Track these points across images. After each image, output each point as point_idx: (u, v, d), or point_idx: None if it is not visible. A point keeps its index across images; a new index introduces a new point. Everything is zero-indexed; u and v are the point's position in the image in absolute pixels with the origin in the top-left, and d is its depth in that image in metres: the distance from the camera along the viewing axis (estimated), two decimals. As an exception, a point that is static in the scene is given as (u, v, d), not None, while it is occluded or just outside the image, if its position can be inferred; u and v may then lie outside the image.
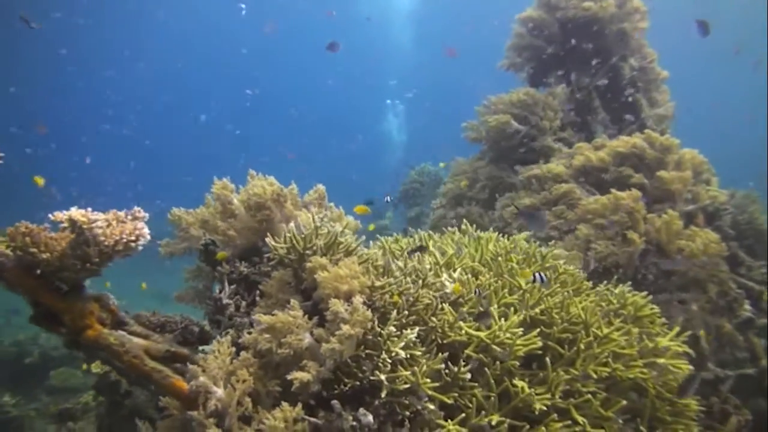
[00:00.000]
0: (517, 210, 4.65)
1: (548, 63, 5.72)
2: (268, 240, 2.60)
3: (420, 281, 2.52)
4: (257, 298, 2.64)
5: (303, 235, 2.52)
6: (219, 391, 2.14)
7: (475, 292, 2.71)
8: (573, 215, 4.38)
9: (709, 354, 4.09)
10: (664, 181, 4.39)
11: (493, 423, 2.27)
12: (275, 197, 2.96)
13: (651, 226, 4.18)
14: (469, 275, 2.97)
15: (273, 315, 2.23)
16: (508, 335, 2.45)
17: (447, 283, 2.77)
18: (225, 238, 3.00)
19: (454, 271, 2.99)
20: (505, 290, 2.84)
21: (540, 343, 2.56)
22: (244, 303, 2.74)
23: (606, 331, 2.70)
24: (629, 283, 4.02)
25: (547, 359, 2.52)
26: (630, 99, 5.20)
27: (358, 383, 2.16)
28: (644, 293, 3.25)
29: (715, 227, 4.52)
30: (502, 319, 2.55)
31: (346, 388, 2.16)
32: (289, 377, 2.11)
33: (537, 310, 2.76)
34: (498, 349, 2.43)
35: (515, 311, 2.70)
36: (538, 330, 2.59)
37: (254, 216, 2.98)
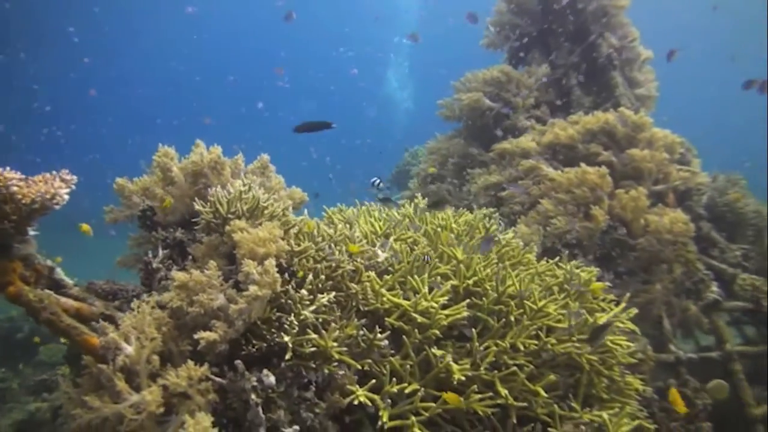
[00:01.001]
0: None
1: (528, 41, 5.60)
2: (196, 205, 2.59)
3: (344, 248, 2.49)
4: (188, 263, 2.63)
5: (227, 199, 2.50)
6: (128, 348, 2.13)
7: (424, 259, 2.68)
8: (537, 190, 4.30)
9: (670, 335, 4.01)
10: (634, 158, 4.28)
11: (407, 391, 2.24)
12: (212, 165, 2.94)
13: (617, 203, 4.09)
14: (408, 245, 2.94)
15: (187, 273, 2.22)
16: (431, 304, 2.42)
17: (379, 252, 2.74)
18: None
19: (395, 241, 2.96)
20: (440, 260, 2.80)
21: (465, 314, 2.52)
22: (175, 268, 2.73)
23: (540, 304, 2.65)
24: (582, 259, 3.97)
25: (474, 330, 2.49)
26: (605, 77, 5.07)
27: (266, 345, 2.14)
28: (593, 269, 3.20)
29: (686, 207, 4.41)
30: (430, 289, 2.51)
31: (254, 350, 2.14)
32: (195, 336, 2.10)
33: (470, 281, 2.71)
34: (420, 318, 2.40)
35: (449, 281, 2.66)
36: (468, 301, 2.56)
37: (193, 184, 2.96)
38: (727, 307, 4.24)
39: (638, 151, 4.26)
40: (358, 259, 2.53)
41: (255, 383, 2.03)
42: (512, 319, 2.61)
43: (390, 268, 2.66)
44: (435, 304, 2.40)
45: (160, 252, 2.78)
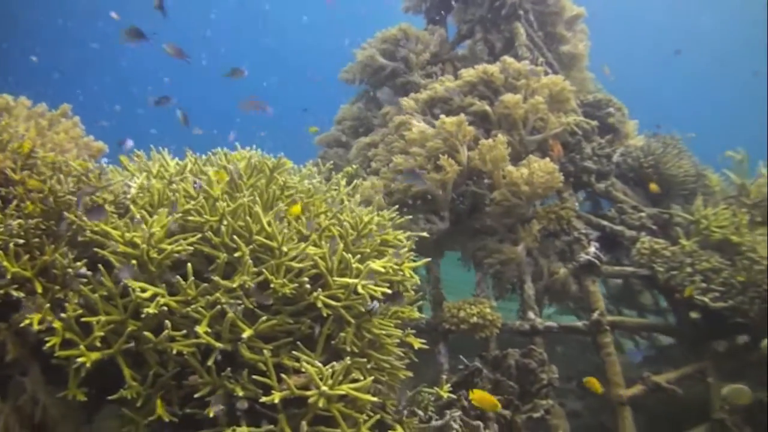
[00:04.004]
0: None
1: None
2: None
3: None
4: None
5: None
6: None
7: (195, 183, 2.55)
8: (400, 145, 3.96)
9: (531, 301, 3.48)
10: (506, 105, 3.83)
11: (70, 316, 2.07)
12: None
13: (476, 153, 3.66)
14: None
15: None
16: (137, 235, 2.24)
17: (132, 184, 2.63)
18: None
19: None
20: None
21: (191, 249, 2.33)
22: None
23: (274, 243, 2.39)
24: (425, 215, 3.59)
25: (189, 266, 2.27)
26: (510, 30, 4.61)
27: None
28: (389, 214, 2.89)
29: (569, 158, 3.86)
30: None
31: None
32: None
33: (211, 218, 2.50)
34: (126, 248, 2.22)
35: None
36: (200, 236, 2.36)
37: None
38: (609, 272, 3.64)
39: (509, 96, 3.81)
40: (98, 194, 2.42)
41: None
42: (245, 258, 2.36)
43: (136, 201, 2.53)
44: (142, 235, 2.22)
45: None
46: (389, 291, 2.55)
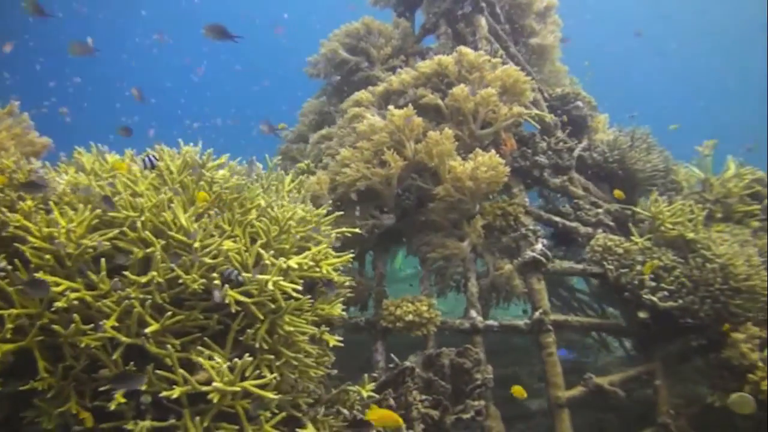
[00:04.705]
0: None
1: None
2: None
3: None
4: None
5: None
6: None
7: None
8: (352, 139, 3.90)
9: (473, 299, 3.38)
10: (455, 97, 3.73)
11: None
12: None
13: (423, 147, 3.58)
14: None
15: None
16: (51, 231, 2.25)
17: (60, 181, 2.64)
18: None
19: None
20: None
21: (107, 244, 2.33)
22: None
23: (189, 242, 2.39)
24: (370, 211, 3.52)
25: (102, 261, 2.27)
26: (472, 22, 4.49)
27: None
28: (321, 210, 2.86)
29: (521, 153, 3.74)
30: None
31: None
32: None
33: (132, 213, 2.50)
34: (37, 242, 2.22)
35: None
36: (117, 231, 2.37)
37: None
38: (558, 269, 3.52)
39: (459, 88, 3.71)
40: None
41: None
42: (156, 254, 2.35)
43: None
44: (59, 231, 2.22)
45: None
46: (299, 287, 2.51)
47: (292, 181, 3.77)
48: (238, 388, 2.27)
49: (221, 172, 3.03)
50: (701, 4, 24.38)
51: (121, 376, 2.13)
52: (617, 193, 4.02)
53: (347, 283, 3.11)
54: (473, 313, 3.35)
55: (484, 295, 3.48)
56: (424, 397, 2.95)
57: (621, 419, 3.77)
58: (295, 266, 2.60)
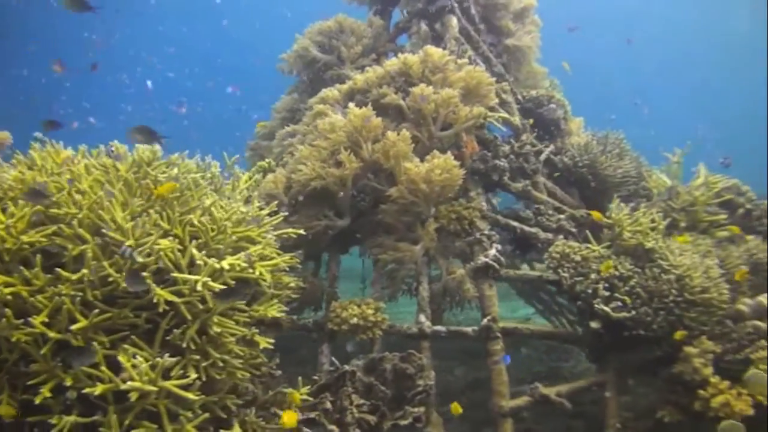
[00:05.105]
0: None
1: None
2: None
3: None
4: None
5: None
6: None
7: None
8: (313, 137, 3.85)
9: (424, 303, 3.32)
10: (415, 97, 3.67)
11: None
12: None
13: (380, 147, 3.52)
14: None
15: None
16: None
17: (6, 176, 2.64)
18: None
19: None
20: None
21: (44, 240, 2.34)
22: None
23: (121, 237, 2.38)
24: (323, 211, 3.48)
25: (38, 257, 2.27)
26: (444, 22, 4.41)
27: None
28: (265, 210, 2.83)
29: (480, 156, 3.67)
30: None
31: None
32: None
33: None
34: None
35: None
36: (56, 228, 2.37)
37: None
38: (512, 276, 3.44)
39: (419, 88, 3.64)
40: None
41: None
42: (88, 251, 2.34)
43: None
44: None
45: None
46: (224, 287, 2.48)
47: (249, 179, 3.75)
48: (154, 388, 2.26)
49: (173, 171, 3.01)
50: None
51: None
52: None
53: (292, 284, 3.09)
54: (422, 317, 3.29)
55: (436, 300, 3.42)
56: (362, 401, 2.90)
57: (588, 426, 3.70)
58: (227, 267, 2.57)
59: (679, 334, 3.03)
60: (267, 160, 4.03)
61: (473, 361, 4.81)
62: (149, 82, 22.33)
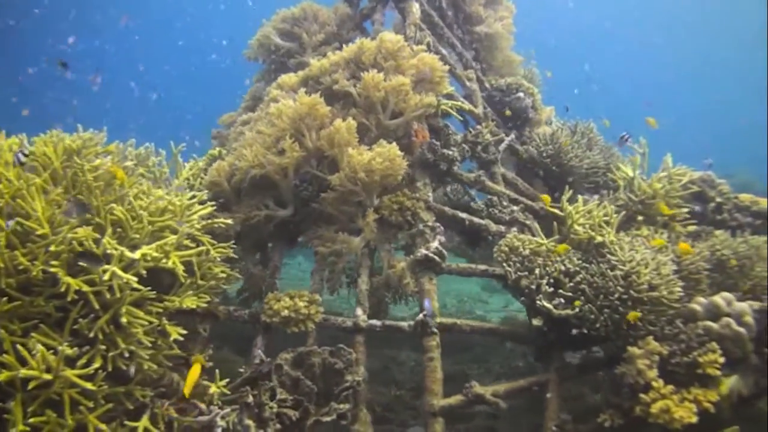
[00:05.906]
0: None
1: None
2: None
3: None
4: None
5: None
6: None
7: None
8: (262, 124, 3.76)
9: (363, 296, 3.20)
10: (365, 84, 3.55)
11: None
12: None
13: (324, 135, 3.41)
14: None
15: None
16: None
17: None
18: None
19: None
20: None
21: None
22: None
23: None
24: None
25: None
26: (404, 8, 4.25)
27: None
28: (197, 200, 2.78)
29: (428, 145, 3.52)
30: None
31: None
32: None
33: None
34: None
35: None
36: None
37: None
38: (454, 269, 3.30)
39: (368, 75, 3.52)
40: None
41: None
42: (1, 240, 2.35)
43: None
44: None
45: None
46: (135, 279, 2.42)
47: (191, 168, 3.68)
48: (49, 376, 2.24)
49: (104, 160, 2.96)
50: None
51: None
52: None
53: (221, 275, 3.02)
54: (359, 311, 3.18)
55: (378, 294, 3.30)
56: (285, 396, 2.81)
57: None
58: (139, 257, 2.52)
59: (632, 315, 2.84)
60: (219, 148, 3.95)
61: (453, 355, 4.64)
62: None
